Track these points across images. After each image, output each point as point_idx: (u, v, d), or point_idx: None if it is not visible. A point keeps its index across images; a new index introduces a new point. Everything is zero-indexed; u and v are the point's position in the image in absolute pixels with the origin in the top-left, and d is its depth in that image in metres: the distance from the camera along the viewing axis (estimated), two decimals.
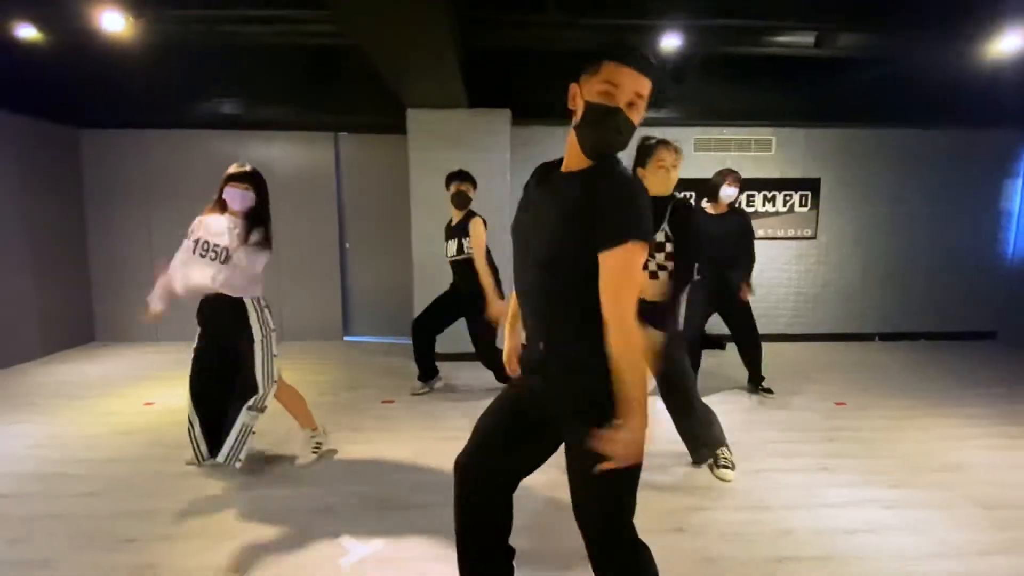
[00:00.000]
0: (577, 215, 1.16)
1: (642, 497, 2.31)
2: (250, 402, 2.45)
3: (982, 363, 4.74)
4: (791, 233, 5.42)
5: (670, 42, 3.25)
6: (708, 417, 2.66)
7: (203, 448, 2.46)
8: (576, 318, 1.23)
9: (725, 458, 2.64)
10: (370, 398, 3.72)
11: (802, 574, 1.89)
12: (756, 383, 3.94)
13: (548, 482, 2.27)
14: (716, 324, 5.44)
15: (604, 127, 1.18)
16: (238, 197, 2.45)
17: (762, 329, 5.48)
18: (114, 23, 2.99)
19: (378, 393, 3.81)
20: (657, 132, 5.28)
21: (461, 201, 3.47)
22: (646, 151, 2.48)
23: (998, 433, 3.16)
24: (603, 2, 3.05)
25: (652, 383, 3.78)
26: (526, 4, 3.11)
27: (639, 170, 2.49)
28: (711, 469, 2.66)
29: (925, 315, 5.60)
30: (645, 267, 2.39)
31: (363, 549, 2.00)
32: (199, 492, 2.42)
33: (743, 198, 5.35)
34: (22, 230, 4.63)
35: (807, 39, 3.21)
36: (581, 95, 1.21)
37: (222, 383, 2.50)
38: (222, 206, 2.48)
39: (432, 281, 4.37)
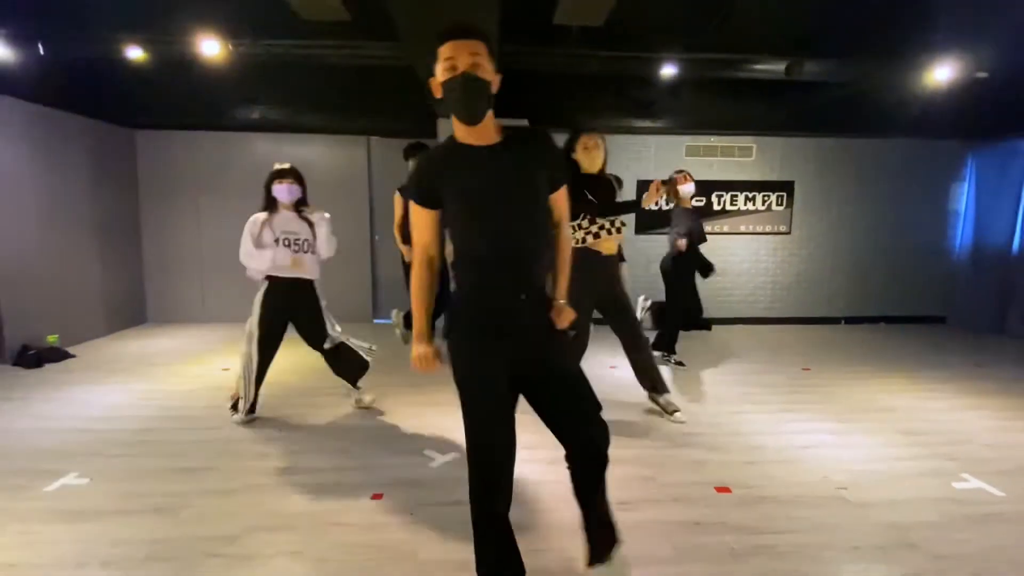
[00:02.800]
0: (544, 165, 1.47)
1: (645, 426, 3.01)
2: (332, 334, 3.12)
3: (928, 341, 5.54)
4: (768, 229, 6.18)
5: (667, 70, 3.97)
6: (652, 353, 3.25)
7: (249, 402, 3.03)
8: (544, 249, 1.53)
9: (671, 404, 3.21)
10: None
11: (767, 469, 2.60)
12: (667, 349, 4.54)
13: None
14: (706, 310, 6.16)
15: (460, 92, 1.35)
16: (286, 191, 2.91)
17: (742, 313, 6.28)
18: (212, 48, 3.59)
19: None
20: (652, 140, 6.08)
21: None
22: (573, 138, 2.96)
23: (927, 387, 3.93)
24: (615, 38, 3.74)
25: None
26: (552, 38, 3.78)
27: (572, 154, 2.95)
28: (665, 415, 3.20)
29: (885, 301, 6.40)
30: (594, 232, 2.97)
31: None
32: (315, 419, 3.06)
33: (727, 197, 6.09)
34: (89, 221, 5.18)
35: (779, 67, 3.93)
36: (437, 84, 1.41)
37: (276, 347, 3.08)
38: (272, 203, 2.94)
39: None
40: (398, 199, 4.24)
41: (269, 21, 3.59)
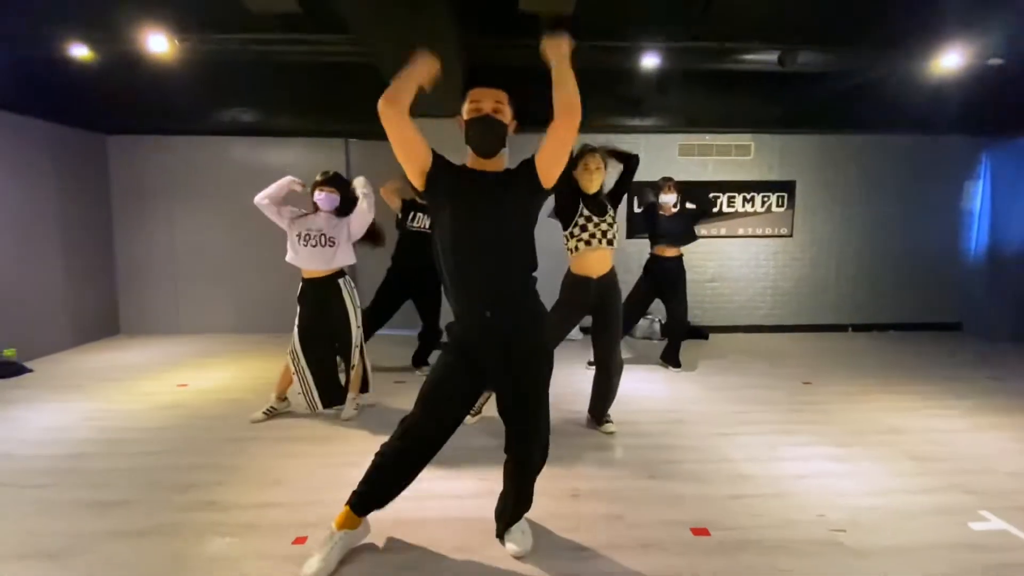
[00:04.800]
0: (532, 189, 1.69)
1: (622, 453, 2.71)
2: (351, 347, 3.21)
3: (942, 351, 5.16)
4: (768, 232, 5.84)
5: (649, 61, 3.67)
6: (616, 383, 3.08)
7: (315, 395, 3.12)
8: (526, 273, 1.73)
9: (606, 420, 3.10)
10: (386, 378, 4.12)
11: (754, 506, 2.28)
12: (671, 359, 4.40)
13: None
14: (698, 316, 5.86)
15: (481, 129, 1.67)
16: (327, 199, 3.06)
17: (741, 321, 5.94)
18: (160, 45, 3.37)
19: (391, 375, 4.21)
20: (642, 139, 5.80)
21: None
22: (578, 156, 2.90)
23: (938, 405, 3.58)
24: (590, 28, 3.45)
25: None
26: (526, 30, 3.51)
27: (573, 172, 2.90)
28: (597, 427, 3.09)
29: (895, 307, 6.02)
30: (585, 239, 2.89)
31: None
32: (244, 450, 2.80)
33: (724, 198, 5.77)
34: (55, 229, 4.99)
35: (770, 57, 3.62)
36: (463, 120, 1.71)
37: (325, 346, 3.15)
38: (315, 208, 3.09)
39: None
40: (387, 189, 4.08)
41: (218, 16, 3.37)
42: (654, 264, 4.33)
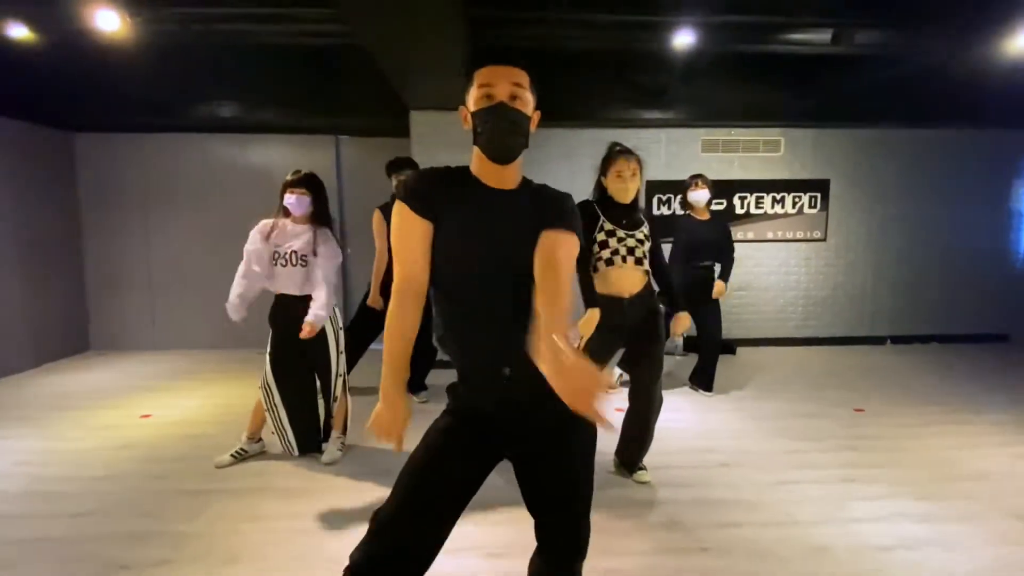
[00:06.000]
0: (543, 225, 1.17)
1: (662, 513, 2.21)
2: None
3: (997, 367, 4.65)
4: (800, 235, 5.33)
5: (683, 39, 3.16)
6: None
7: (290, 438, 2.73)
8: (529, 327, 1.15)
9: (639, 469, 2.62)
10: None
11: None
12: (702, 382, 3.90)
13: None
14: (724, 329, 5.36)
15: (495, 124, 1.16)
16: (297, 203, 2.59)
17: (769, 333, 5.43)
18: (109, 22, 2.88)
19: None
20: (663, 133, 5.27)
21: None
22: (607, 160, 2.46)
23: (1015, 436, 3.07)
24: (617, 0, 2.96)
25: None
26: (536, 2, 3.02)
27: (601, 178, 2.47)
28: (628, 475, 2.61)
29: (937, 317, 5.51)
30: (606, 258, 2.42)
31: None
32: (200, 511, 2.30)
33: (751, 199, 5.27)
34: (15, 236, 4.51)
35: (823, 36, 3.11)
36: (468, 112, 1.22)
37: (302, 379, 2.71)
38: (285, 212, 2.63)
39: None
40: (378, 220, 3.41)
41: None
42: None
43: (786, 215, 5.30)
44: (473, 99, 1.19)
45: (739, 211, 5.25)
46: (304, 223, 2.63)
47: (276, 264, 2.61)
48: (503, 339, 1.19)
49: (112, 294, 5.26)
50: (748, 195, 5.24)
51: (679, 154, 5.17)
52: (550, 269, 1.10)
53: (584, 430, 1.25)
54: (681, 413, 3.51)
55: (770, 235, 5.31)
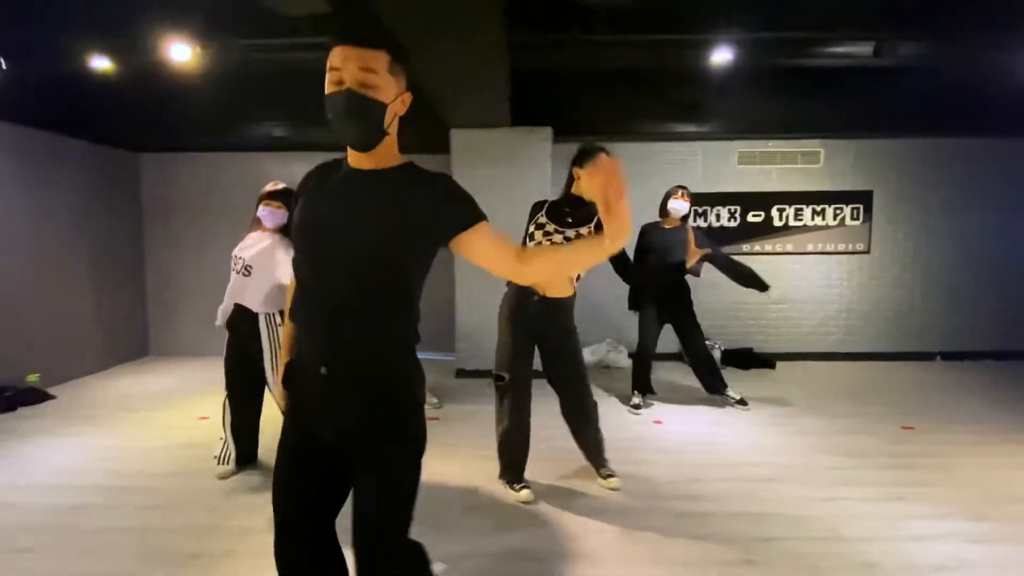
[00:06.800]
0: (435, 218, 1.14)
1: (705, 524, 2.23)
2: None
3: None
4: (842, 248, 5.23)
5: (722, 56, 3.21)
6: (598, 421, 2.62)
7: (231, 449, 2.71)
8: (393, 324, 1.17)
9: (609, 468, 2.64)
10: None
11: None
12: (714, 386, 3.84)
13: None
14: (762, 343, 5.30)
15: (341, 113, 1.08)
16: (270, 215, 2.56)
17: (810, 347, 5.33)
18: (182, 53, 3.13)
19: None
20: (699, 146, 5.28)
21: None
22: (586, 154, 2.44)
23: None
24: (652, 18, 3.03)
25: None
26: (573, 24, 3.12)
27: (574, 168, 2.45)
28: (599, 478, 2.63)
29: (991, 333, 5.29)
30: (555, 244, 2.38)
31: None
32: (261, 508, 2.43)
33: (790, 211, 5.21)
34: (87, 248, 4.87)
35: (865, 49, 3.11)
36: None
37: (251, 389, 2.68)
38: (259, 224, 2.60)
39: (475, 297, 4.38)
40: None
41: (243, 22, 3.11)
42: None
43: (827, 227, 5.21)
44: (326, 82, 1.10)
45: (777, 223, 5.19)
46: (269, 234, 2.56)
47: (231, 272, 2.59)
48: (328, 333, 1.14)
49: (169, 303, 5.59)
50: (787, 207, 5.19)
51: (715, 167, 5.17)
52: (498, 261, 1.20)
53: (408, 450, 1.19)
54: (721, 427, 3.50)
55: (810, 247, 5.23)
